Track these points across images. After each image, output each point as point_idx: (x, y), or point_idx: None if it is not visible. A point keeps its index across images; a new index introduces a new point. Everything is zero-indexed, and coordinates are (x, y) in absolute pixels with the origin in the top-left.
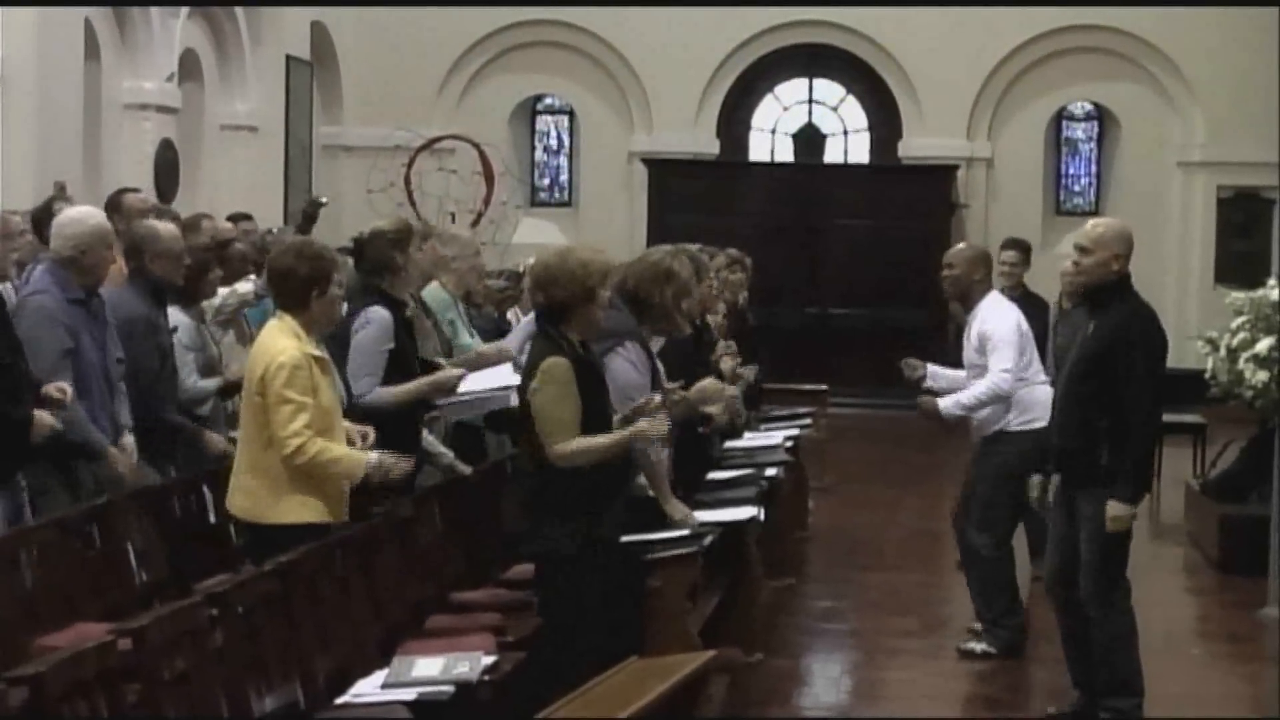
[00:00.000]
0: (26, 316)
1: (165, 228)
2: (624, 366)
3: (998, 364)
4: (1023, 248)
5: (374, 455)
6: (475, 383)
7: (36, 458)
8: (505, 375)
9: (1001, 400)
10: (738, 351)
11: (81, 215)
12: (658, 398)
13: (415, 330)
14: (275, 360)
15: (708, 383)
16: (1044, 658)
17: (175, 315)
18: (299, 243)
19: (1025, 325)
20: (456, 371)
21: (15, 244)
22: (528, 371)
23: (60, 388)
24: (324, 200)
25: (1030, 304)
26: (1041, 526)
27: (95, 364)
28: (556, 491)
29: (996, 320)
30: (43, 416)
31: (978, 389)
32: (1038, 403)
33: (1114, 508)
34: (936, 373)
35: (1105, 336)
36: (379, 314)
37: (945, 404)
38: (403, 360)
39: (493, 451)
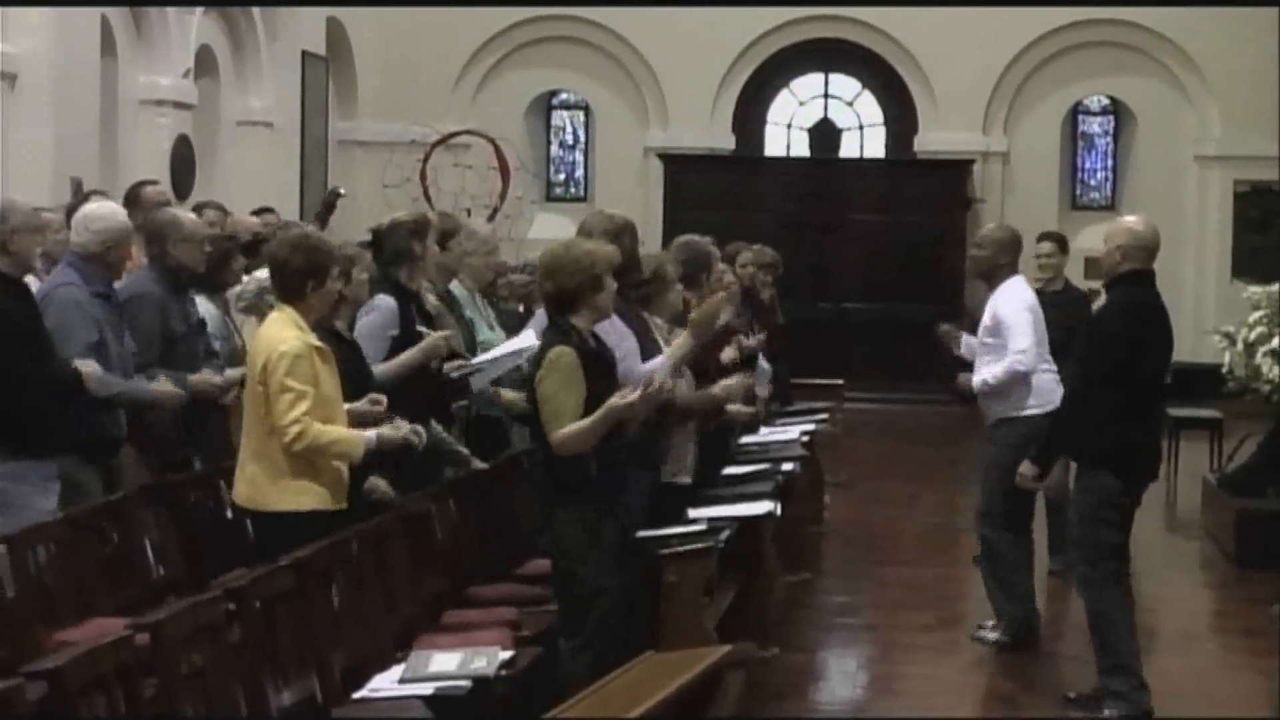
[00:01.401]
0: (56, 306)
1: (187, 215)
2: (607, 329)
3: (1014, 345)
4: (1058, 240)
5: (372, 434)
6: (490, 352)
7: (71, 450)
8: (520, 340)
9: (1020, 378)
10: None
11: (108, 211)
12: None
13: (439, 325)
14: (277, 350)
15: (733, 381)
16: (1060, 653)
17: (202, 305)
18: (297, 235)
19: (1038, 309)
20: (444, 332)
21: (43, 238)
22: (536, 362)
23: (89, 366)
24: (343, 191)
25: (1069, 297)
26: (1062, 522)
27: (115, 356)
28: (565, 481)
29: (1007, 303)
30: (88, 365)
31: (997, 368)
32: (1037, 390)
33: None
34: (970, 343)
35: (1091, 322)
36: (383, 301)
37: (975, 381)
38: (408, 347)
39: (515, 445)
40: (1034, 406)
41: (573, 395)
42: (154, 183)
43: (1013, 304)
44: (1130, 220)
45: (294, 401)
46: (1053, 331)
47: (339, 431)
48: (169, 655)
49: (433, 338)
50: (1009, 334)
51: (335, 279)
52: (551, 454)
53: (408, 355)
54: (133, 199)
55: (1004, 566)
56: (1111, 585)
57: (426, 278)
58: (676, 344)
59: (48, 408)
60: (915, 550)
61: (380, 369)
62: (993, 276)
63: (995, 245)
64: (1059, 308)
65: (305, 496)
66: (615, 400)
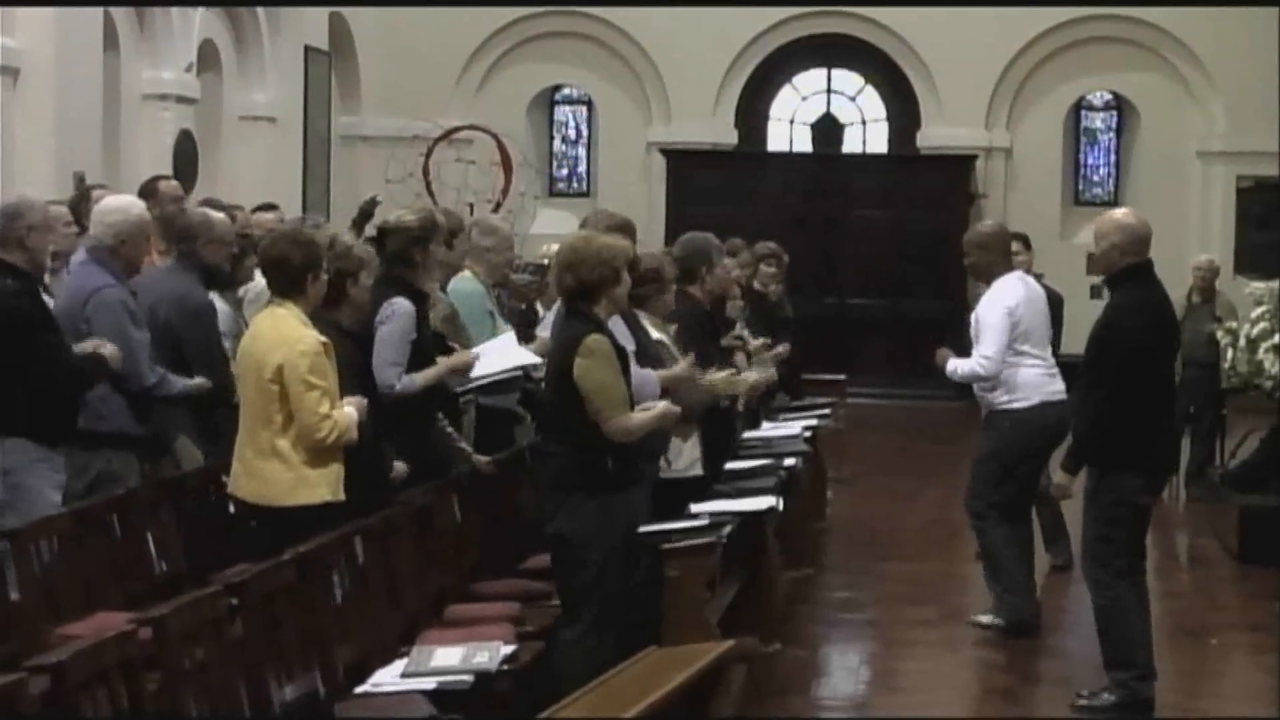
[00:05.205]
0: (107, 312)
1: (217, 216)
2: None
3: (979, 350)
4: (1021, 239)
5: (350, 410)
6: (489, 365)
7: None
8: (519, 355)
9: (982, 381)
10: (771, 343)
11: (124, 205)
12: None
13: (451, 331)
14: (296, 348)
15: (729, 375)
16: (1060, 648)
17: (216, 301)
18: (290, 230)
19: (1022, 308)
20: (470, 353)
21: (55, 236)
22: (563, 349)
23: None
24: (380, 199)
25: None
26: (1056, 515)
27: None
28: (584, 471)
29: (988, 305)
30: (100, 348)
31: (963, 366)
32: (1023, 384)
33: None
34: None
35: (1100, 323)
36: (403, 305)
37: (949, 364)
38: (423, 350)
39: (519, 440)
40: (1021, 399)
41: (620, 382)
42: (168, 177)
43: (993, 305)
44: (1119, 214)
45: (321, 398)
46: None
47: (344, 418)
48: (171, 650)
49: (461, 356)
50: (979, 337)
51: (325, 271)
52: (573, 441)
53: (437, 371)
54: (149, 193)
55: (1000, 558)
56: (1121, 581)
57: (431, 279)
58: (671, 372)
59: (59, 402)
60: (917, 545)
61: (418, 380)
62: (990, 275)
63: (978, 248)
64: None
65: (321, 489)
66: (670, 407)
